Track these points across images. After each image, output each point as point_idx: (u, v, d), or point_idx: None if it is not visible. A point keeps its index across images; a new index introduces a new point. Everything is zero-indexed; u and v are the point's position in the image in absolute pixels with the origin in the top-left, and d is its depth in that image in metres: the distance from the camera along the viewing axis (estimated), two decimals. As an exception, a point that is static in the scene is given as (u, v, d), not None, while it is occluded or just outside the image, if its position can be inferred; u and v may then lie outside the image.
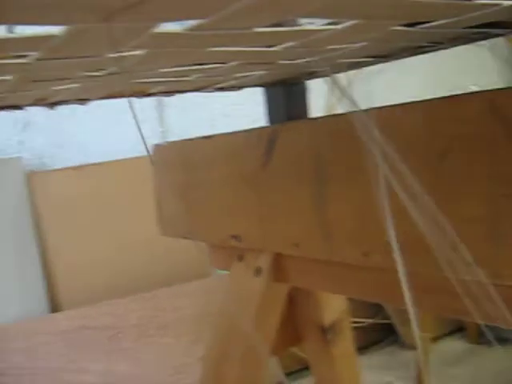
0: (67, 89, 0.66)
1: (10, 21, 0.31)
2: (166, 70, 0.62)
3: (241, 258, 0.91)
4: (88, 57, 0.47)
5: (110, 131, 1.96)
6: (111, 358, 1.63)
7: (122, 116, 1.92)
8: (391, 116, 0.64)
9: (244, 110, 2.06)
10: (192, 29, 0.40)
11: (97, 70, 0.56)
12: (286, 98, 0.94)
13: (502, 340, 1.97)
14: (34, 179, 1.79)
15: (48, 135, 1.89)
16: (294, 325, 0.99)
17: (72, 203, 1.81)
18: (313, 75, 0.86)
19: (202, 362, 1.04)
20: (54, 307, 1.82)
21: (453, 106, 0.58)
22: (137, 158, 1.87)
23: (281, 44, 0.54)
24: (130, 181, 1.84)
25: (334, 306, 0.96)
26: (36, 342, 1.65)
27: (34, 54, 0.44)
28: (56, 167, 1.89)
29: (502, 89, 0.55)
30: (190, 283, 1.82)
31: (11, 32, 0.36)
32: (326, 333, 0.96)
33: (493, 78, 2.65)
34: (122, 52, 0.47)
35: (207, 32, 0.42)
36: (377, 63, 0.76)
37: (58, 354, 1.64)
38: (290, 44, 0.54)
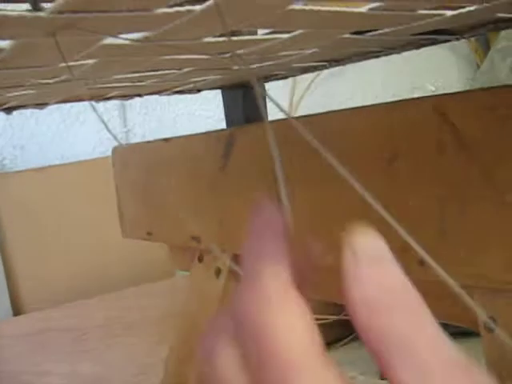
0: (23, 95, 0.66)
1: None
2: (120, 76, 0.62)
3: (201, 259, 0.92)
4: (38, 67, 0.48)
5: (70, 132, 1.94)
6: (75, 360, 1.63)
7: (83, 116, 1.92)
8: (343, 120, 0.65)
9: (208, 110, 2.06)
10: (140, 40, 0.41)
11: (50, 78, 0.56)
12: (244, 100, 0.95)
13: (464, 334, 2.00)
14: (-5, 181, 1.78)
15: (8, 136, 1.88)
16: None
17: (33, 205, 1.80)
18: (270, 78, 0.87)
19: (165, 362, 1.04)
20: (17, 310, 1.80)
21: (401, 110, 0.59)
22: (98, 159, 1.86)
23: (232, 51, 0.55)
24: (91, 182, 1.83)
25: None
26: (0, 345, 1.63)
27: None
28: (16, 169, 1.88)
29: (448, 94, 0.57)
30: (155, 283, 1.82)
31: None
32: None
33: (453, 76, 2.69)
34: (72, 61, 0.48)
35: (155, 43, 0.42)
36: (331, 67, 0.78)
37: (21, 356, 1.63)
38: (242, 51, 0.55)
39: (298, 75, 0.85)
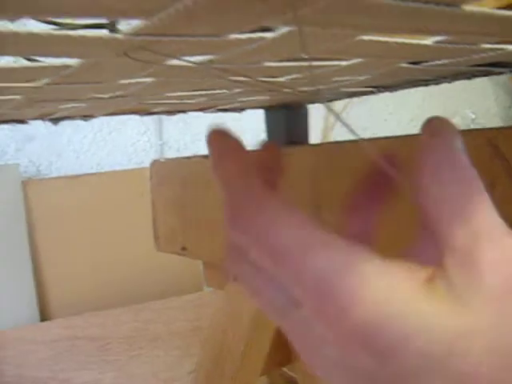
0: (73, 107, 0.67)
1: (35, 54, 0.32)
2: (171, 94, 0.62)
3: (235, 278, 0.91)
4: (98, 83, 0.48)
5: (107, 142, 1.96)
6: (99, 369, 1.63)
7: (120, 127, 1.93)
8: (398, 146, 0.65)
9: (244, 125, 2.07)
10: (203, 62, 0.41)
11: (106, 93, 0.56)
12: (287, 120, 0.95)
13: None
14: (30, 187, 1.79)
15: (45, 143, 1.89)
16: (286, 344, 0.99)
17: (66, 212, 1.81)
18: (315, 100, 0.87)
19: (193, 379, 1.04)
20: (44, 316, 1.81)
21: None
22: (133, 169, 1.87)
23: (286, 76, 0.55)
24: (125, 192, 1.84)
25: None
26: (24, 351, 1.64)
27: (45, 80, 0.45)
28: (52, 175, 1.89)
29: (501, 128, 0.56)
30: (182, 297, 1.82)
31: (31, 61, 0.36)
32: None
33: (490, 103, 2.67)
34: (132, 79, 0.48)
35: (217, 66, 0.42)
36: (379, 92, 0.77)
37: (46, 363, 1.63)
38: (295, 76, 0.55)
39: (344, 99, 0.84)
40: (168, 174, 1.06)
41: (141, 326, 1.73)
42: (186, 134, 2.02)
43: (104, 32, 0.29)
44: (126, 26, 0.29)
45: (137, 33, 0.29)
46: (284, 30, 0.33)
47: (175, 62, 0.40)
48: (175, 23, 0.27)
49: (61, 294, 1.82)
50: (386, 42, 0.40)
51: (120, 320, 1.74)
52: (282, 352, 1.00)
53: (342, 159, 0.69)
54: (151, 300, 1.81)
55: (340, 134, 2.22)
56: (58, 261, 1.81)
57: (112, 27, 0.28)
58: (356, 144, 0.68)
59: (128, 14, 0.26)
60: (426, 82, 0.70)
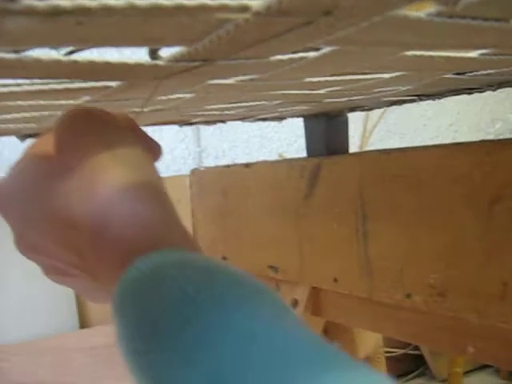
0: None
1: (77, 78, 0.32)
2: (210, 106, 0.62)
3: (277, 289, 0.90)
4: (137, 99, 0.48)
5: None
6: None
7: (158, 135, 1.94)
8: (439, 156, 0.63)
9: (281, 132, 2.06)
10: (245, 80, 0.40)
11: (145, 107, 0.56)
12: (326, 129, 0.94)
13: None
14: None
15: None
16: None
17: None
18: (355, 109, 0.86)
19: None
20: (84, 323, 1.83)
21: (505, 150, 0.57)
22: (171, 177, 1.88)
23: (328, 88, 0.54)
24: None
25: (368, 341, 0.95)
26: (64, 358, 1.65)
27: (85, 98, 0.45)
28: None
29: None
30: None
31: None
32: (360, 366, 0.95)
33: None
34: (172, 95, 0.48)
35: (260, 82, 0.42)
36: (421, 101, 0.76)
37: (86, 370, 1.65)
38: (337, 88, 0.54)
39: (385, 107, 0.83)
40: (208, 183, 1.06)
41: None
42: (224, 141, 2.02)
43: (145, 59, 0.29)
44: (166, 52, 0.29)
45: (178, 59, 0.29)
46: (327, 49, 0.32)
47: (216, 80, 0.40)
48: (217, 49, 0.27)
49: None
50: (431, 57, 0.39)
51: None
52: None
53: (387, 168, 0.68)
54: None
55: (379, 139, 2.20)
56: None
57: (153, 55, 0.28)
58: (403, 152, 0.67)
59: (170, 43, 0.25)
60: (469, 91, 0.69)
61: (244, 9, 0.21)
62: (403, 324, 0.71)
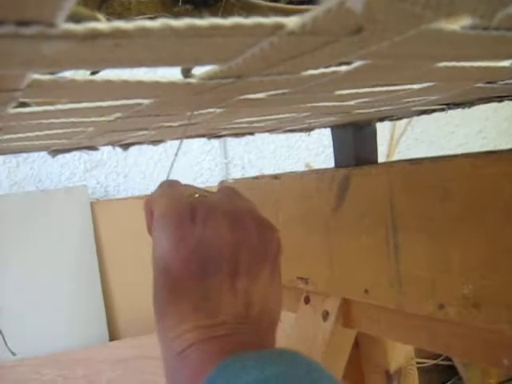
0: (143, 134, 0.67)
1: (110, 98, 0.32)
2: (240, 120, 0.62)
3: (307, 301, 0.90)
4: (168, 115, 0.48)
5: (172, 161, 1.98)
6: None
7: (185, 147, 1.94)
8: (470, 164, 0.63)
9: (308, 142, 2.06)
10: (276, 95, 0.40)
11: (175, 122, 0.56)
12: (354, 139, 0.93)
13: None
14: (98, 208, 1.82)
15: (112, 164, 1.92)
16: (360, 370, 0.97)
17: (133, 232, 1.83)
18: (384, 119, 0.86)
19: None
20: (113, 335, 1.83)
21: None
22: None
23: (358, 100, 0.54)
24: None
25: (400, 352, 0.94)
26: (94, 370, 1.66)
27: (117, 114, 0.45)
28: (119, 196, 1.92)
29: None
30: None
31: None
32: (392, 379, 0.95)
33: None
34: (202, 110, 0.48)
35: (291, 96, 0.42)
36: (450, 109, 0.75)
37: (116, 382, 1.65)
38: (367, 99, 0.54)
39: (414, 116, 0.83)
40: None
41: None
42: (251, 152, 2.02)
43: (178, 77, 0.29)
44: (199, 69, 0.29)
45: (211, 77, 0.29)
46: (359, 63, 0.32)
47: (247, 95, 0.40)
48: (251, 66, 0.27)
49: (129, 314, 1.84)
50: (463, 67, 0.38)
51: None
52: (355, 377, 0.98)
53: (418, 178, 0.68)
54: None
55: (406, 147, 2.19)
56: (127, 281, 1.83)
57: (186, 73, 0.28)
58: (433, 162, 0.67)
59: (204, 62, 0.25)
60: (499, 99, 0.68)
61: (279, 27, 0.21)
62: (436, 336, 0.70)
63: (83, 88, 0.29)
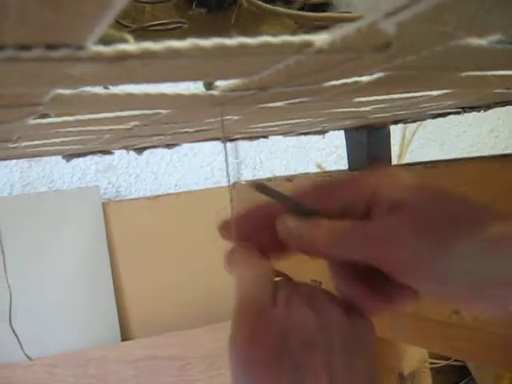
0: (158, 139, 0.67)
1: (131, 109, 0.32)
2: (256, 125, 0.62)
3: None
4: (186, 122, 0.48)
5: (183, 162, 1.98)
6: (181, 389, 1.64)
7: (196, 148, 1.94)
8: (485, 168, 0.62)
9: (319, 142, 2.05)
10: (295, 103, 0.40)
11: (192, 127, 0.56)
12: (368, 141, 0.93)
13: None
14: (110, 208, 1.82)
15: (124, 165, 1.92)
16: None
17: (145, 232, 1.83)
18: (398, 122, 0.85)
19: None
20: (125, 335, 1.83)
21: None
22: (209, 189, 1.88)
23: (375, 105, 0.53)
24: (202, 212, 1.84)
25: (414, 355, 0.94)
26: (106, 370, 1.66)
27: (134, 123, 0.45)
28: (131, 197, 1.92)
29: None
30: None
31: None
32: (405, 381, 0.94)
33: None
34: (219, 117, 0.48)
35: (309, 104, 0.42)
36: (466, 113, 0.75)
37: (128, 382, 1.65)
38: (384, 105, 0.53)
39: (429, 119, 0.82)
40: (249, 196, 1.05)
41: (220, 345, 1.73)
42: (262, 152, 2.02)
43: (200, 89, 0.29)
44: (221, 82, 0.29)
45: (233, 89, 0.29)
46: (381, 74, 0.32)
47: (266, 104, 0.40)
48: (274, 79, 0.27)
49: (141, 314, 1.84)
50: (485, 76, 0.38)
51: (199, 340, 1.74)
52: None
53: (433, 183, 0.67)
54: (230, 319, 1.81)
55: (419, 147, 2.18)
56: (138, 281, 1.84)
57: (209, 86, 0.28)
58: (450, 166, 0.66)
59: (228, 77, 0.25)
60: (516, 102, 0.68)
61: (307, 45, 0.21)
62: (451, 340, 0.70)
63: (105, 101, 0.29)
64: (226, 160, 0.42)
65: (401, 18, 0.17)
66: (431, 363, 1.69)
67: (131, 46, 0.18)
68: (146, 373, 1.68)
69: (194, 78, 0.24)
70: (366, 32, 0.19)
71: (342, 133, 0.97)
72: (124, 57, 0.19)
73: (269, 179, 1.02)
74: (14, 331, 1.59)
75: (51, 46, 0.17)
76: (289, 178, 0.95)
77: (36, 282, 1.73)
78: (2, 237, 1.33)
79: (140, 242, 1.83)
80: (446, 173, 0.66)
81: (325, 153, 2.03)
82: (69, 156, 0.74)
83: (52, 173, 1.85)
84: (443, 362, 1.81)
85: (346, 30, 0.19)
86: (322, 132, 0.89)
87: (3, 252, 1.12)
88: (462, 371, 2.10)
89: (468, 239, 0.31)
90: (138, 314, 1.85)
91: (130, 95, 0.28)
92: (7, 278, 1.31)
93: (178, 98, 0.30)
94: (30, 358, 1.46)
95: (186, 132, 0.59)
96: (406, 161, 2.01)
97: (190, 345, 1.75)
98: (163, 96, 0.29)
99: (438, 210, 0.34)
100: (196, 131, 0.59)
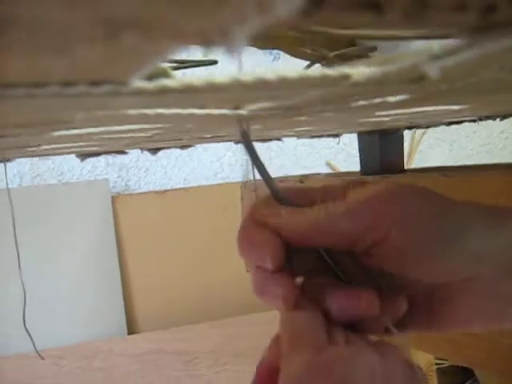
0: (174, 142, 0.67)
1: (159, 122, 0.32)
2: (272, 131, 0.62)
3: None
4: (205, 130, 0.48)
5: (193, 157, 1.98)
6: None
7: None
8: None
9: (328, 140, 2.05)
10: (318, 117, 0.40)
11: (208, 134, 0.57)
12: (381, 145, 0.93)
13: None
14: (119, 201, 1.82)
15: (134, 159, 1.93)
16: None
17: (153, 226, 1.83)
18: (412, 127, 0.85)
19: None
20: (132, 329, 1.84)
21: None
22: (219, 184, 1.88)
23: (393, 116, 0.53)
24: (211, 207, 1.85)
25: (421, 359, 0.94)
26: (112, 363, 1.67)
27: (155, 131, 0.45)
28: (140, 191, 1.92)
29: None
30: (268, 312, 1.81)
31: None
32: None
33: None
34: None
35: (331, 116, 0.42)
36: (481, 121, 0.75)
37: (133, 376, 1.65)
38: (402, 116, 0.53)
39: (444, 126, 0.82)
40: (260, 195, 1.05)
41: (226, 341, 1.73)
42: (272, 149, 2.02)
43: (229, 110, 0.29)
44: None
45: (262, 109, 0.29)
46: (408, 96, 0.32)
47: (291, 118, 0.40)
48: (305, 104, 0.27)
49: (148, 308, 1.85)
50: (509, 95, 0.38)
51: (205, 335, 1.74)
52: None
53: (449, 192, 0.67)
54: (237, 315, 1.81)
55: (428, 146, 2.17)
56: (146, 275, 1.84)
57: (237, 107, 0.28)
58: (464, 176, 0.66)
59: (261, 102, 0.25)
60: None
61: (344, 78, 0.21)
62: (461, 348, 0.70)
63: (134, 119, 0.29)
64: (251, 173, 0.42)
65: (445, 62, 0.17)
66: (436, 364, 1.69)
67: (173, 81, 0.19)
68: (152, 367, 1.69)
69: (229, 108, 0.24)
70: (408, 71, 0.19)
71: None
72: (165, 91, 0.19)
73: (281, 179, 1.02)
74: (24, 323, 1.60)
75: (95, 83, 0.17)
76: (301, 180, 0.95)
77: (44, 274, 1.74)
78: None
79: (148, 236, 1.84)
80: (463, 183, 0.66)
81: (334, 151, 2.02)
82: (83, 155, 0.74)
83: (62, 165, 1.85)
84: (447, 363, 1.81)
85: (388, 68, 0.19)
86: (336, 135, 0.89)
87: (17, 244, 1.12)
88: (466, 372, 2.11)
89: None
90: (144, 307, 1.86)
91: (160, 115, 0.28)
92: (20, 270, 1.31)
93: (207, 117, 0.30)
94: (37, 350, 1.47)
95: (203, 138, 0.59)
96: (415, 161, 2.00)
97: (196, 340, 1.75)
98: (192, 115, 0.29)
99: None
100: (212, 137, 0.59)
